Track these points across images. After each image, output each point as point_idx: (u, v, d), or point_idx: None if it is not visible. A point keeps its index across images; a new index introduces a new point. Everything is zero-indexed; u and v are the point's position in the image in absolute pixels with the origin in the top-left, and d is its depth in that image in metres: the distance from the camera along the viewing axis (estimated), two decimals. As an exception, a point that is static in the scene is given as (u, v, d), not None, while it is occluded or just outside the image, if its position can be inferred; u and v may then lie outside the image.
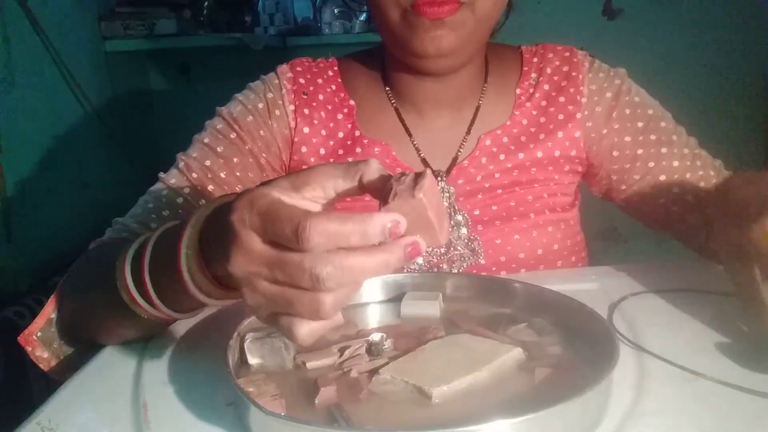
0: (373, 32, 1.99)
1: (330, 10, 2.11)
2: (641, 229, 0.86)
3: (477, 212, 0.77)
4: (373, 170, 0.41)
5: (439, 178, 0.77)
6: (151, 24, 2.00)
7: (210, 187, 0.74)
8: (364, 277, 0.38)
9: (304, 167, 0.78)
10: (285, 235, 0.37)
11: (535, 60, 0.82)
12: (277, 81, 0.80)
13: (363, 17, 2.05)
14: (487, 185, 0.78)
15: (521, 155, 0.78)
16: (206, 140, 0.76)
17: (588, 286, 0.68)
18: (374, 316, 0.63)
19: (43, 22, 1.64)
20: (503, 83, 0.81)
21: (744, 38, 2.12)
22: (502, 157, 0.78)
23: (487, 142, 0.78)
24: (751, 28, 2.11)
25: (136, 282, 0.51)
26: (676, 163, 0.78)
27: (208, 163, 0.75)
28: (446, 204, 0.76)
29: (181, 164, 0.75)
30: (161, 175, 0.75)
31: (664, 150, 0.78)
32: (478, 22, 0.70)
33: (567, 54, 0.82)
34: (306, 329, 0.39)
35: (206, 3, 2.13)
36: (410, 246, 0.38)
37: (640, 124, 0.79)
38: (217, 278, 0.45)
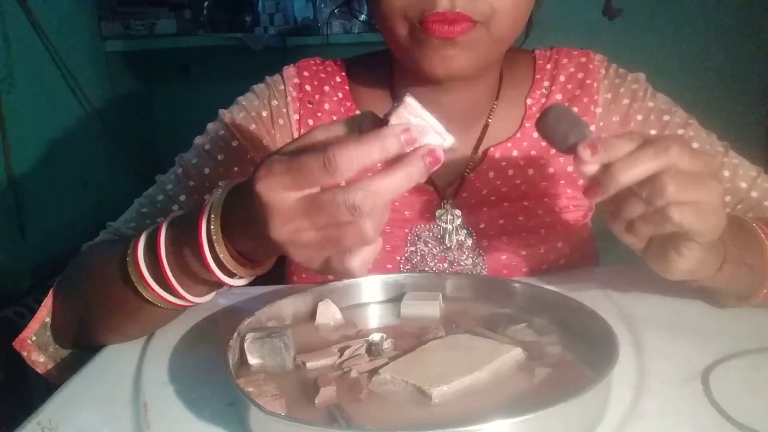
0: (373, 32, 1.99)
1: (330, 10, 2.11)
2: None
3: (482, 225, 0.74)
4: (369, 122, 0.44)
5: (444, 201, 0.74)
6: (151, 24, 2.01)
7: (207, 196, 0.72)
8: (393, 195, 0.41)
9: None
10: (313, 172, 0.40)
11: (549, 67, 0.78)
12: (282, 87, 0.77)
13: (363, 17, 2.05)
14: (493, 198, 0.74)
15: (531, 171, 0.74)
16: (207, 147, 0.74)
17: (589, 287, 0.68)
18: (374, 316, 0.63)
19: (43, 22, 1.64)
20: (514, 94, 0.77)
21: (744, 38, 2.12)
22: (510, 172, 0.74)
23: (497, 155, 0.74)
24: (750, 28, 2.11)
25: (152, 271, 0.53)
26: None
27: (207, 171, 0.72)
28: (450, 227, 0.74)
29: (180, 170, 0.73)
30: (159, 178, 0.74)
31: None
32: (493, 42, 0.64)
33: (583, 59, 0.77)
34: (358, 260, 0.43)
35: (206, 3, 2.14)
36: (428, 155, 0.41)
37: (652, 132, 0.73)
38: (241, 254, 0.49)
